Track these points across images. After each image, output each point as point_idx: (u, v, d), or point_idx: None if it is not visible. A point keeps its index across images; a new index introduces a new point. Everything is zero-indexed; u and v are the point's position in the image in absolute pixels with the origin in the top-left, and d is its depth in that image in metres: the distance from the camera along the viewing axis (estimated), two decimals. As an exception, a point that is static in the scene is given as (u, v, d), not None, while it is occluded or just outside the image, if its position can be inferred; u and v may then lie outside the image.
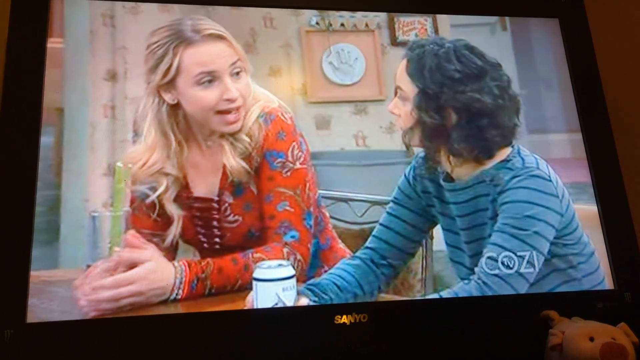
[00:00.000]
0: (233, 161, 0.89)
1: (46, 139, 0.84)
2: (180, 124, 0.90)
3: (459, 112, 0.88)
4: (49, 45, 0.88)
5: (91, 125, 0.90)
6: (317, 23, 1.01)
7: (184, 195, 0.91)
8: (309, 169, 0.92)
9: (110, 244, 0.82)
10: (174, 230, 0.89)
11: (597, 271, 0.90)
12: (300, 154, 0.91)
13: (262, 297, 0.80)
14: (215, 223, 0.91)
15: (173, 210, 0.89)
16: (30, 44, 0.87)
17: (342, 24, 1.02)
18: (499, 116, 0.89)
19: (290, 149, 0.91)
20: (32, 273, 0.78)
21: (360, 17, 1.03)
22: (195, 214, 0.92)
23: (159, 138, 0.89)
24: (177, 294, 0.82)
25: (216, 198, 0.91)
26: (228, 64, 0.89)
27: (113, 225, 0.82)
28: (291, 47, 0.99)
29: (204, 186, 0.92)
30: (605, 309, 0.89)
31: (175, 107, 0.90)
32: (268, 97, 0.93)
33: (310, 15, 1.01)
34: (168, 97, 0.89)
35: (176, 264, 0.83)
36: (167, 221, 0.89)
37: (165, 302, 0.82)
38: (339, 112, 1.00)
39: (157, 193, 0.88)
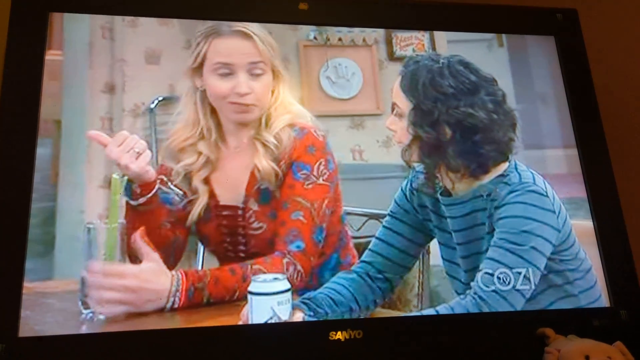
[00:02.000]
0: (265, 162, 0.91)
1: (43, 151, 0.84)
2: (211, 113, 0.95)
3: (454, 128, 0.88)
4: (47, 57, 0.88)
5: (88, 138, 0.91)
6: (315, 38, 1.02)
7: (211, 204, 0.93)
8: (332, 187, 0.93)
9: (105, 256, 0.81)
10: (198, 206, 0.91)
11: (594, 287, 0.90)
12: (325, 171, 0.93)
13: (257, 310, 0.80)
14: (240, 230, 0.93)
15: (200, 188, 0.92)
16: (28, 56, 0.87)
17: (340, 39, 1.03)
18: (494, 131, 0.89)
19: (317, 164, 0.93)
20: (26, 284, 0.77)
21: (358, 32, 1.04)
22: (222, 223, 0.93)
23: (193, 117, 0.94)
24: (174, 302, 0.82)
25: (241, 205, 0.93)
26: (247, 61, 0.92)
27: (108, 237, 0.82)
28: (289, 61, 1.00)
29: (230, 193, 0.93)
30: (602, 327, 0.89)
31: (205, 95, 0.94)
32: (300, 112, 0.96)
33: (308, 30, 1.02)
34: (198, 83, 0.94)
35: (173, 272, 0.83)
36: (183, 218, 0.92)
37: (162, 310, 0.81)
38: (336, 125, 1.01)
39: (188, 163, 0.92)
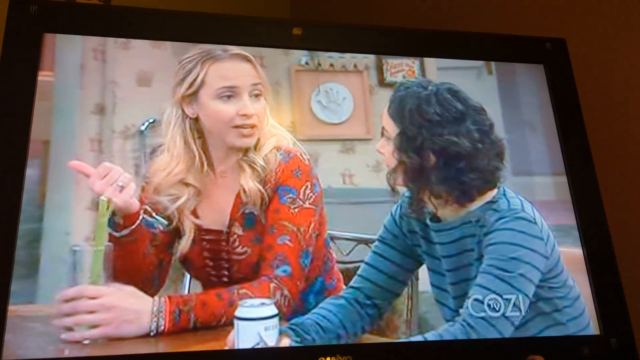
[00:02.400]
0: (251, 183, 0.91)
1: (31, 172, 0.83)
2: (200, 141, 0.93)
3: (438, 154, 0.89)
4: (39, 78, 0.88)
5: (77, 159, 0.90)
6: (307, 63, 1.03)
7: (194, 228, 0.92)
8: (317, 210, 0.93)
9: (91, 279, 0.80)
10: (185, 242, 0.90)
11: (583, 315, 0.90)
12: (311, 194, 0.93)
13: (244, 336, 0.79)
14: (224, 255, 0.92)
15: (188, 223, 0.91)
16: (21, 77, 0.87)
17: (332, 64, 1.04)
18: (478, 159, 0.89)
19: (303, 187, 0.92)
20: (9, 307, 0.76)
21: (349, 58, 1.05)
22: (204, 247, 0.92)
23: (182, 149, 0.92)
24: (158, 324, 0.80)
25: (226, 230, 0.92)
26: (249, 83, 0.93)
27: (94, 260, 0.81)
28: (281, 86, 1.00)
29: (214, 217, 0.93)
30: (592, 355, 0.89)
31: (196, 123, 0.93)
32: (283, 135, 0.96)
33: (300, 55, 1.02)
34: (189, 111, 0.93)
35: (156, 297, 0.82)
36: (170, 240, 0.91)
37: (147, 335, 0.80)
38: (327, 150, 1.01)
39: (181, 201, 0.91)
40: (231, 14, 1.09)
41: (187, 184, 0.92)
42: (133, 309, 0.80)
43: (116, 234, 0.86)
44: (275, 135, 0.95)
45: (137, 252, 0.87)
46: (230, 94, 0.91)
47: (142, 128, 0.95)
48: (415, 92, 0.90)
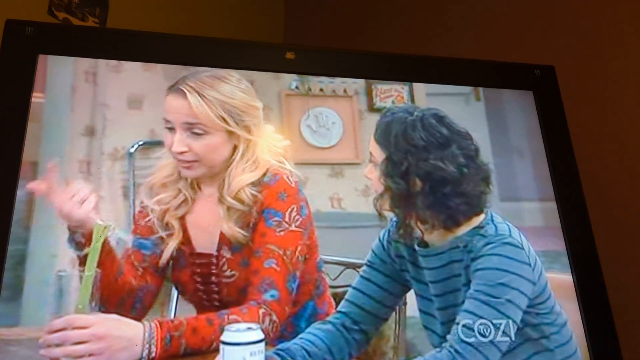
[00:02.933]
0: (226, 227, 0.91)
1: (19, 192, 0.83)
2: None
3: (423, 180, 0.89)
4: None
5: (65, 180, 0.90)
6: (297, 87, 1.04)
7: (187, 252, 0.92)
8: (305, 233, 0.92)
9: (78, 305, 0.79)
10: (171, 246, 0.90)
11: (570, 342, 0.89)
12: (298, 217, 0.92)
13: (229, 361, 0.78)
14: (213, 278, 0.92)
15: (175, 225, 0.91)
16: (15, 99, 0.88)
17: (322, 89, 1.05)
18: (463, 184, 0.89)
19: (289, 210, 0.91)
20: (-8, 330, 0.75)
21: (339, 83, 1.06)
22: (195, 270, 0.92)
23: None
24: (150, 351, 0.79)
25: (215, 253, 0.92)
26: (181, 121, 0.91)
27: (84, 286, 0.80)
28: (271, 110, 1.01)
29: (205, 241, 0.93)
30: (581, 381, 0.88)
31: None
32: (278, 163, 0.95)
33: (290, 80, 1.03)
34: None
35: (145, 322, 0.81)
36: (157, 264, 0.91)
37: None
38: (316, 173, 1.02)
39: (167, 201, 0.92)
40: (225, 38, 1.10)
41: (178, 189, 0.93)
42: (125, 337, 0.79)
43: (79, 253, 0.85)
44: (257, 168, 0.94)
45: (111, 270, 0.86)
46: (169, 126, 0.91)
47: (132, 150, 0.96)
48: (401, 118, 0.91)
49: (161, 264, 0.91)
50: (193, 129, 0.91)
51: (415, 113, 0.91)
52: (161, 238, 0.91)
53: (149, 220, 0.92)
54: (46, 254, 0.85)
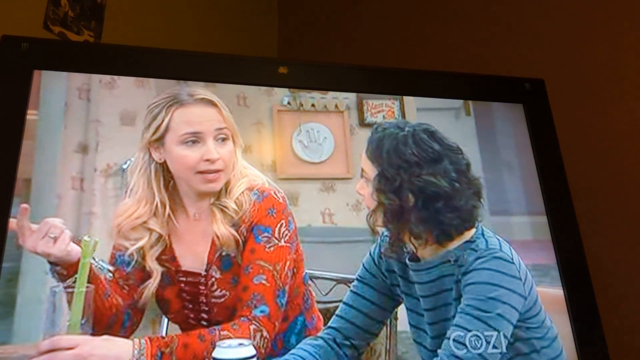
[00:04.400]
0: (223, 228, 0.90)
1: (12, 210, 0.84)
2: (169, 186, 0.93)
3: (416, 195, 0.89)
4: (23, 116, 0.89)
5: (58, 197, 0.91)
6: (289, 103, 1.04)
7: (172, 269, 0.91)
8: (293, 247, 0.93)
9: (70, 322, 0.79)
10: (151, 285, 0.88)
11: (560, 356, 0.89)
12: (286, 232, 0.92)
13: (221, 377, 0.78)
14: (202, 299, 0.91)
15: (153, 266, 0.89)
16: (9, 115, 0.88)
17: (313, 105, 1.06)
18: (456, 199, 0.90)
19: (278, 226, 0.91)
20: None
21: (331, 99, 1.07)
22: (182, 288, 0.91)
23: (145, 193, 0.91)
24: None
25: (203, 273, 0.91)
26: (214, 128, 0.92)
27: (76, 302, 0.80)
28: (263, 125, 1.02)
29: (192, 260, 0.92)
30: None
31: (163, 167, 0.92)
32: (255, 174, 0.96)
33: (282, 96, 1.04)
34: (156, 156, 0.92)
35: (135, 339, 0.81)
36: (142, 280, 0.89)
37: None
38: (307, 188, 1.02)
39: (140, 244, 0.89)
40: (219, 53, 1.11)
41: (149, 229, 0.91)
42: (110, 355, 0.78)
43: (62, 284, 0.84)
44: (246, 176, 0.95)
45: (95, 296, 0.85)
46: (194, 139, 0.91)
47: (124, 166, 0.96)
48: (393, 134, 0.91)
49: (142, 303, 0.90)
50: (220, 134, 0.92)
51: (407, 128, 0.92)
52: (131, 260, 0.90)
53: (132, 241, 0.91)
54: (38, 271, 0.85)
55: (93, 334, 0.81)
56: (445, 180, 0.89)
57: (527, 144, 1.10)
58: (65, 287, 0.83)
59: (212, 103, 0.93)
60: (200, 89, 0.95)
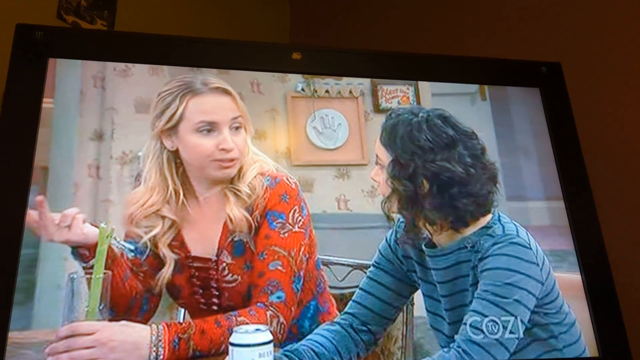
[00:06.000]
0: (236, 211, 0.90)
1: (29, 197, 0.84)
2: (179, 172, 0.93)
3: (431, 181, 0.89)
4: (39, 104, 0.89)
5: (75, 185, 0.91)
6: (303, 89, 1.04)
7: (181, 254, 0.91)
8: (306, 233, 0.93)
9: (89, 307, 0.80)
10: (165, 273, 0.89)
11: (579, 341, 0.89)
12: (300, 218, 0.92)
13: (238, 363, 0.78)
14: (213, 283, 0.91)
15: (167, 253, 0.90)
16: (26, 103, 0.89)
17: (327, 91, 1.05)
18: (471, 185, 0.89)
19: (292, 212, 0.92)
20: (5, 334, 0.76)
21: (345, 85, 1.06)
22: (193, 274, 0.92)
23: (158, 181, 0.92)
24: (157, 355, 0.79)
25: (214, 258, 0.91)
26: (229, 117, 0.92)
27: (93, 287, 0.81)
28: (277, 112, 1.02)
29: (202, 245, 0.92)
30: (590, 378, 0.88)
31: (175, 155, 0.93)
32: (265, 160, 0.96)
33: (296, 82, 1.04)
34: (168, 144, 0.92)
35: (152, 325, 0.82)
36: (156, 266, 0.90)
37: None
38: (322, 175, 1.02)
39: (153, 232, 0.90)
40: (232, 39, 1.10)
41: (162, 216, 0.91)
42: (129, 341, 0.79)
43: (84, 264, 0.85)
44: (257, 161, 0.95)
45: (115, 278, 0.86)
46: (209, 128, 0.91)
47: (140, 154, 0.96)
48: (406, 120, 0.91)
49: (158, 289, 0.91)
50: (235, 123, 0.93)
51: (420, 114, 0.91)
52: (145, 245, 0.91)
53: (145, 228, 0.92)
54: (57, 257, 0.86)
55: (112, 318, 0.82)
56: (460, 166, 0.88)
57: (544, 128, 1.08)
58: (85, 272, 0.84)
59: (226, 92, 0.94)
60: (213, 78, 0.95)
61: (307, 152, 1.00)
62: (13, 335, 0.77)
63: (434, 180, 0.88)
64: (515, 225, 0.90)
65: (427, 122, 0.90)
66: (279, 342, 0.86)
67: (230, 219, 0.91)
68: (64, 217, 0.84)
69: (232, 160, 0.92)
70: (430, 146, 0.89)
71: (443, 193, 0.88)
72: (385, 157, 0.91)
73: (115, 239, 0.87)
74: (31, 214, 0.84)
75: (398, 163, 0.89)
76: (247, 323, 0.84)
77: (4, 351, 0.76)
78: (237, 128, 0.93)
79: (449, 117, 0.92)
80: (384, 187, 0.91)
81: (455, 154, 0.89)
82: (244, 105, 0.94)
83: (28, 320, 0.82)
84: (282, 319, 0.87)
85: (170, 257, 0.90)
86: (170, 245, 0.91)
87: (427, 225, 0.90)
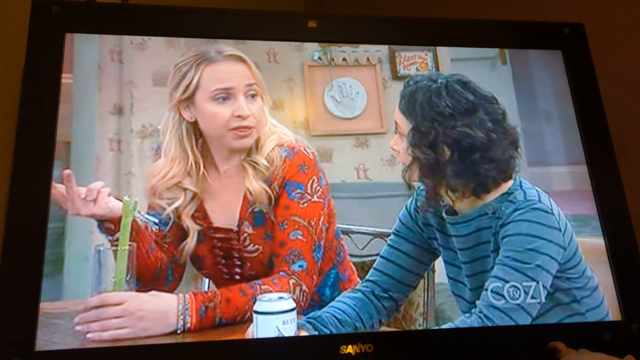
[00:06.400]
0: (255, 184, 0.91)
1: (54, 172, 0.86)
2: (199, 144, 0.94)
3: (452, 148, 0.88)
4: (58, 80, 0.90)
5: (97, 159, 0.92)
6: (320, 58, 1.03)
7: (204, 225, 0.93)
8: (325, 203, 0.93)
9: (115, 278, 0.82)
10: (189, 243, 0.91)
11: (601, 306, 0.89)
12: (318, 187, 0.93)
13: (262, 330, 0.80)
14: (235, 253, 0.93)
15: (190, 225, 0.91)
16: (45, 78, 0.89)
17: (344, 59, 1.04)
18: (492, 150, 0.88)
19: (310, 182, 0.93)
20: (36, 305, 0.79)
21: (362, 52, 1.05)
22: (215, 244, 0.93)
23: (178, 153, 0.93)
24: (184, 322, 0.82)
25: (235, 228, 0.93)
26: (244, 84, 0.92)
27: (119, 259, 0.83)
28: (294, 82, 1.01)
29: (224, 216, 0.93)
30: (613, 341, 0.88)
31: (194, 126, 0.93)
32: (283, 131, 0.96)
33: (312, 51, 1.03)
34: (187, 115, 0.93)
35: (180, 294, 0.84)
36: (180, 237, 0.92)
37: (174, 333, 0.81)
38: (341, 144, 1.02)
39: (176, 204, 0.91)
40: (247, 9, 1.09)
41: (183, 188, 0.92)
42: (157, 310, 0.82)
43: (110, 237, 0.87)
44: (275, 132, 0.95)
45: (140, 250, 0.88)
46: (225, 95, 0.91)
47: (159, 127, 0.97)
48: (425, 86, 0.90)
49: (183, 260, 0.92)
50: (250, 91, 0.93)
51: (439, 80, 0.90)
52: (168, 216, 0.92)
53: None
54: (83, 230, 0.88)
55: (139, 290, 0.84)
56: (481, 131, 0.88)
57: (566, 91, 1.06)
58: (111, 244, 0.86)
59: (240, 59, 0.94)
60: (228, 46, 0.95)
61: (326, 122, 1.00)
62: (45, 306, 0.79)
63: (455, 146, 0.88)
64: (537, 190, 0.89)
65: (446, 88, 0.89)
66: (302, 310, 0.87)
67: (250, 192, 0.92)
68: (90, 191, 0.86)
69: (248, 128, 0.92)
70: (450, 112, 0.88)
71: (465, 159, 0.88)
72: (405, 125, 0.90)
73: (139, 212, 0.88)
74: (58, 188, 0.85)
75: (418, 131, 0.89)
76: (270, 291, 0.86)
77: (37, 321, 0.78)
78: (253, 96, 0.93)
79: (469, 82, 0.91)
80: (404, 155, 0.91)
81: (476, 120, 0.88)
82: (260, 74, 0.94)
83: (58, 291, 0.84)
84: (304, 287, 0.88)
85: (193, 228, 0.92)
86: (193, 217, 0.92)
87: (448, 192, 0.90)
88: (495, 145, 0.88)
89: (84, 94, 0.94)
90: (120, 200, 0.87)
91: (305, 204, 0.92)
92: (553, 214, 0.87)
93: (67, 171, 0.86)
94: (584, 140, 1.03)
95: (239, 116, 0.92)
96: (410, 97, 0.90)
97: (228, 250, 0.93)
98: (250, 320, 0.82)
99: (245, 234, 0.92)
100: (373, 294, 0.91)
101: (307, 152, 0.94)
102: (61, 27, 0.93)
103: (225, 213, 0.94)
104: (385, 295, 0.92)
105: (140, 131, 0.96)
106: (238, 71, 0.93)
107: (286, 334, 0.80)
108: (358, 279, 0.96)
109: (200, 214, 0.93)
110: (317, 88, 1.01)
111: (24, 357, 0.76)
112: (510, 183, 0.90)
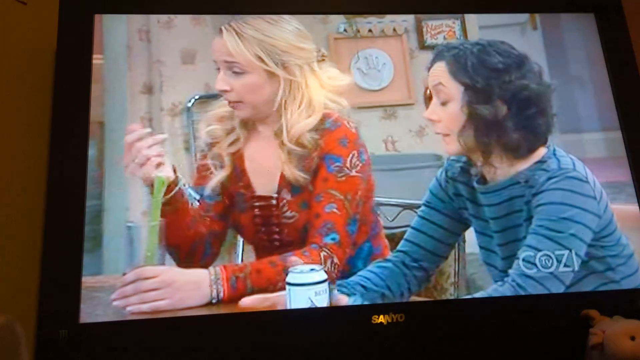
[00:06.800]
0: (288, 171, 0.92)
1: (89, 152, 0.88)
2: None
3: (509, 102, 0.88)
4: (89, 61, 0.92)
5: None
6: (345, 30, 1.02)
7: (247, 194, 0.95)
8: (364, 178, 0.94)
9: (148, 253, 0.84)
10: (217, 178, 0.94)
11: (637, 273, 0.88)
12: (358, 162, 0.93)
13: (295, 301, 0.82)
14: (274, 220, 0.95)
15: (225, 158, 0.95)
16: (77, 60, 0.91)
17: (370, 30, 1.03)
18: (542, 102, 0.89)
19: (350, 156, 0.93)
20: (78, 280, 0.82)
21: (388, 23, 1.03)
22: (256, 213, 0.95)
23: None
24: (218, 292, 0.84)
25: (275, 195, 0.94)
26: (222, 59, 0.93)
27: (150, 235, 0.85)
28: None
29: (264, 184, 0.95)
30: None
31: None
32: (335, 101, 0.96)
33: (338, 23, 1.02)
34: None
35: (210, 268, 0.86)
36: (222, 210, 0.95)
37: (209, 304, 0.83)
38: (368, 117, 1.01)
39: (220, 176, 0.94)
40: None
41: (232, 126, 0.96)
42: (192, 281, 0.84)
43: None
44: (314, 113, 0.94)
45: (180, 221, 0.90)
46: (216, 67, 0.94)
47: (189, 105, 0.98)
48: (468, 49, 0.90)
49: (207, 192, 0.94)
50: (232, 67, 0.93)
51: (478, 42, 0.92)
52: (221, 185, 0.95)
53: (208, 171, 0.95)
54: (119, 207, 0.91)
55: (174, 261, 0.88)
56: (534, 82, 0.89)
57: (600, 56, 1.03)
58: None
59: (222, 34, 0.93)
60: (237, 21, 0.94)
61: (352, 94, 0.99)
62: (86, 280, 0.82)
63: (512, 100, 0.88)
64: (571, 159, 0.88)
65: (491, 46, 0.90)
66: (333, 282, 0.88)
67: (284, 175, 0.93)
68: (139, 155, 0.88)
69: (234, 102, 0.94)
70: (503, 67, 0.89)
71: (521, 113, 0.88)
72: (455, 89, 0.90)
73: (184, 185, 0.91)
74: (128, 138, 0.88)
75: (474, 89, 0.89)
76: (302, 263, 0.87)
77: (80, 295, 0.81)
78: (237, 73, 0.92)
79: (504, 42, 0.92)
80: (453, 120, 0.90)
81: (527, 71, 0.89)
82: (252, 53, 0.92)
83: (98, 266, 0.87)
84: (335, 260, 0.89)
85: (228, 162, 0.95)
86: (237, 186, 0.95)
87: (490, 158, 0.89)
88: (544, 97, 0.89)
89: (114, 74, 0.96)
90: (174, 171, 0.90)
91: (343, 178, 0.92)
92: (588, 182, 0.86)
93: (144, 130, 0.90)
94: (618, 105, 1.01)
95: (217, 88, 0.94)
96: (457, 60, 0.90)
97: (267, 218, 0.95)
98: (282, 289, 0.84)
99: (284, 201, 0.94)
100: (403, 263, 0.92)
101: (350, 127, 0.94)
102: (89, 9, 0.94)
103: (265, 181, 0.95)
104: (416, 265, 0.92)
105: (170, 109, 0.98)
106: (218, 46, 0.93)
107: (318, 305, 0.82)
108: (390, 253, 0.97)
109: (244, 184, 0.95)
110: (343, 60, 1.01)
111: (70, 329, 0.79)
112: (543, 151, 0.89)
